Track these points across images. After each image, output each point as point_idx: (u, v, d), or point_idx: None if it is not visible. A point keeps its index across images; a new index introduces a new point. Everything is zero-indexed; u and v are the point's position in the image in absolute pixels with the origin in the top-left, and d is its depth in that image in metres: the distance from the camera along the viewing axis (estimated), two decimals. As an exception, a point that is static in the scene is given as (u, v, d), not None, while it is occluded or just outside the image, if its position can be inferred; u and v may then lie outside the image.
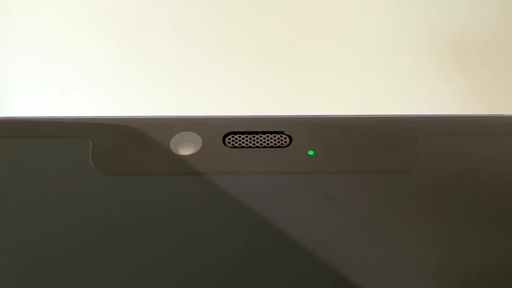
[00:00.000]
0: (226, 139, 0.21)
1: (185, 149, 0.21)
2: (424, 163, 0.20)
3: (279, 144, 0.21)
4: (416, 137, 0.21)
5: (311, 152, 0.21)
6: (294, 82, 0.53)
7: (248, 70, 0.53)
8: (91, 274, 0.18)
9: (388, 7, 0.54)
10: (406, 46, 0.53)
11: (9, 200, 0.19)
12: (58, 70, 0.52)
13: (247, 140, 0.21)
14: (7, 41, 0.53)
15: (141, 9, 0.54)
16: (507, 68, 0.53)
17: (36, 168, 0.20)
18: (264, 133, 0.21)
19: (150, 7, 0.54)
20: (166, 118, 0.22)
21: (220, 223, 0.19)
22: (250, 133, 0.21)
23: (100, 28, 0.53)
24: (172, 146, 0.21)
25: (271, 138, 0.21)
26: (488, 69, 0.53)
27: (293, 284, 0.18)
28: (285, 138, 0.21)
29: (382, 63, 0.53)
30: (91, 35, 0.53)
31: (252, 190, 0.20)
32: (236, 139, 0.21)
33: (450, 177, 0.20)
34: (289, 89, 0.52)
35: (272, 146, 0.21)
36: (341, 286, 0.18)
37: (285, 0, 0.55)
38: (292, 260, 0.19)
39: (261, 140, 0.21)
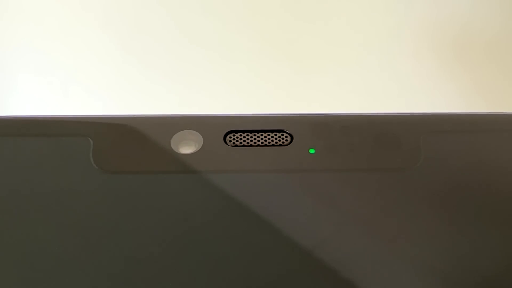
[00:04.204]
0: (227, 137, 0.21)
1: (186, 148, 0.21)
2: (426, 161, 0.20)
3: (280, 142, 0.21)
4: (417, 135, 0.21)
5: (312, 151, 0.21)
6: (295, 80, 0.53)
7: (249, 68, 0.53)
8: (92, 272, 0.18)
9: (390, 3, 0.54)
10: (408, 43, 0.53)
11: (10, 199, 0.19)
12: (58, 68, 0.52)
13: (248, 139, 0.21)
14: (6, 39, 0.53)
15: (141, 7, 0.54)
16: (510, 65, 0.53)
17: (37, 167, 0.20)
18: (265, 131, 0.21)
19: (150, 5, 0.54)
20: (167, 117, 0.21)
21: (221, 221, 0.19)
22: (251, 131, 0.21)
23: (101, 26, 0.53)
24: (173, 144, 0.21)
25: (272, 137, 0.21)
26: (491, 66, 0.53)
27: (294, 282, 0.18)
28: (286, 137, 0.21)
29: (383, 60, 0.53)
30: (92, 33, 0.53)
31: (253, 188, 0.20)
32: (237, 137, 0.21)
33: (452, 175, 0.20)
34: (290, 87, 0.52)
35: (273, 145, 0.21)
36: (343, 284, 0.18)
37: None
38: (293, 258, 0.19)
39: (262, 139, 0.21)
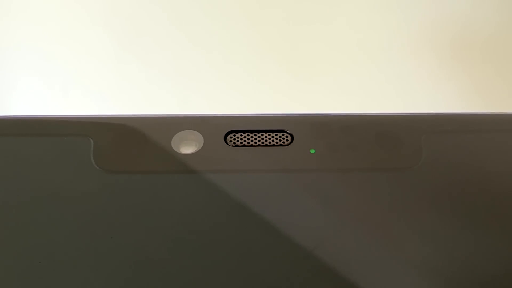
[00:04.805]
0: (228, 137, 0.21)
1: (187, 148, 0.21)
2: (426, 161, 0.20)
3: (281, 142, 0.21)
4: (418, 135, 0.21)
5: (313, 151, 0.21)
6: (295, 80, 0.52)
7: (250, 68, 0.53)
8: (92, 271, 0.18)
9: (389, 3, 0.54)
10: (407, 42, 0.53)
11: (11, 198, 0.19)
12: (58, 68, 0.52)
13: (248, 139, 0.21)
14: (7, 39, 0.53)
15: (140, 6, 0.54)
16: (509, 64, 0.53)
17: (38, 167, 0.20)
18: (265, 131, 0.21)
19: (149, 4, 0.54)
20: (167, 117, 0.22)
21: (221, 221, 0.19)
22: (251, 131, 0.21)
23: (100, 26, 0.53)
24: (173, 144, 0.21)
25: (273, 137, 0.21)
26: (491, 66, 0.53)
27: (294, 282, 0.18)
28: (286, 137, 0.21)
29: (383, 60, 0.53)
30: (91, 33, 0.53)
31: (253, 188, 0.20)
32: (237, 137, 0.21)
33: (452, 175, 0.20)
34: (290, 87, 0.52)
35: (273, 145, 0.21)
36: (343, 284, 0.18)
37: (286, -3, 0.54)
38: (293, 258, 0.19)
39: (262, 139, 0.21)
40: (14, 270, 0.18)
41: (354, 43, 0.54)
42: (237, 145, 0.21)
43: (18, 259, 0.19)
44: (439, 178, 0.20)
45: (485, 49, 0.54)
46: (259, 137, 0.21)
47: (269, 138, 0.21)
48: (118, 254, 0.19)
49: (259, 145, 0.21)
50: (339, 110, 0.23)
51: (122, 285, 0.18)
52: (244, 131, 0.21)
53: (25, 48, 0.53)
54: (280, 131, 0.21)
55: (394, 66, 0.53)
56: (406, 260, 0.19)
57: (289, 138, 0.21)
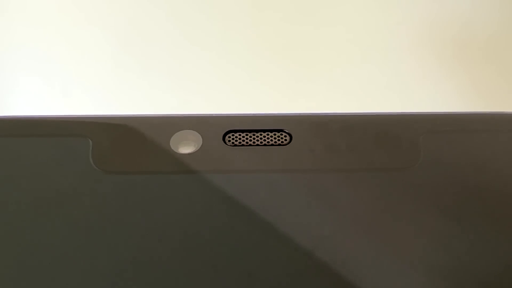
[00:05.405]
0: (226, 137, 0.21)
1: (185, 148, 0.21)
2: (426, 161, 0.20)
3: (280, 142, 0.21)
4: (417, 135, 0.21)
5: None
6: (294, 80, 0.52)
7: (248, 68, 0.53)
8: (91, 272, 0.18)
9: (389, 3, 0.54)
10: (407, 42, 0.53)
11: (9, 199, 0.19)
12: (58, 69, 0.52)
13: (247, 138, 0.21)
14: (6, 40, 0.53)
15: (139, 7, 0.54)
16: (510, 64, 0.53)
17: (36, 167, 0.20)
18: (264, 131, 0.21)
19: (148, 5, 0.54)
20: (166, 117, 0.21)
21: (220, 221, 0.19)
22: (250, 131, 0.21)
23: (99, 27, 0.53)
24: (172, 144, 0.21)
25: (271, 136, 0.21)
26: (491, 65, 0.53)
27: (294, 282, 0.18)
28: (285, 136, 0.21)
29: (383, 59, 0.53)
30: (91, 34, 0.53)
31: (252, 188, 0.20)
32: (236, 137, 0.21)
33: (451, 175, 0.20)
34: (289, 86, 0.52)
35: (272, 144, 0.21)
36: (343, 284, 0.18)
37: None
38: (292, 258, 0.19)
39: (261, 138, 0.21)
40: (13, 270, 0.18)
41: (354, 43, 0.54)
42: (235, 145, 0.21)
43: (17, 260, 0.19)
44: (438, 178, 0.20)
45: (485, 48, 0.54)
46: (257, 136, 0.21)
47: (268, 138, 0.21)
48: (117, 255, 0.19)
49: (257, 144, 0.21)
50: (338, 110, 0.23)
51: (121, 285, 0.18)
52: (242, 131, 0.21)
53: (25, 49, 0.53)
54: (278, 130, 0.21)
55: (394, 66, 0.53)
56: (405, 260, 0.19)
57: (288, 137, 0.21)
